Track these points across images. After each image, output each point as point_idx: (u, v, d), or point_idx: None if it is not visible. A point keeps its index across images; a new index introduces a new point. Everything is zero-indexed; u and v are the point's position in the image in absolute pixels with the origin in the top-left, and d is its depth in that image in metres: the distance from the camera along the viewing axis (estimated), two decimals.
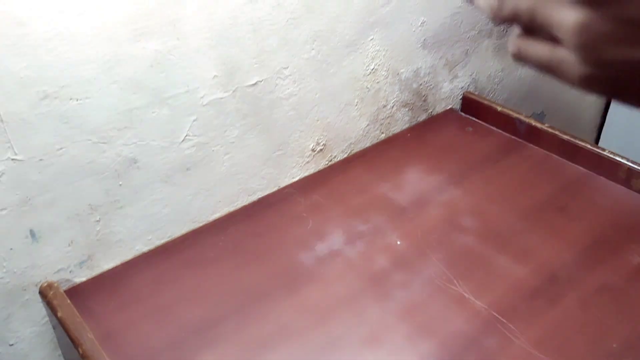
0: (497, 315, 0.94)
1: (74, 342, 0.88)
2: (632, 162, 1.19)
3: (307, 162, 1.26)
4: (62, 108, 0.87)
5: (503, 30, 1.52)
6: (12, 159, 0.86)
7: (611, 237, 1.09)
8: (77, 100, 0.88)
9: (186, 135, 1.03)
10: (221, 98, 1.04)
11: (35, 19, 0.80)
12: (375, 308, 0.96)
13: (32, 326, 1.01)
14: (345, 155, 1.33)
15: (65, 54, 0.84)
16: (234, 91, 1.05)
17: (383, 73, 1.29)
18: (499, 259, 1.05)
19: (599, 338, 0.91)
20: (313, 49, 1.13)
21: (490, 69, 1.56)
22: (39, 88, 0.84)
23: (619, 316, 0.94)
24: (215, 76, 1.01)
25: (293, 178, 1.25)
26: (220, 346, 0.91)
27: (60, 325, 0.91)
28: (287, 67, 1.11)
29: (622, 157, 1.20)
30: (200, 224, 1.14)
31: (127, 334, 0.93)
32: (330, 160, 1.30)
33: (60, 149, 0.90)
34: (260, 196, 1.21)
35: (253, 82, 1.07)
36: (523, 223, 1.13)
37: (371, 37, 1.22)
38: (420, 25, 1.30)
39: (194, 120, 1.03)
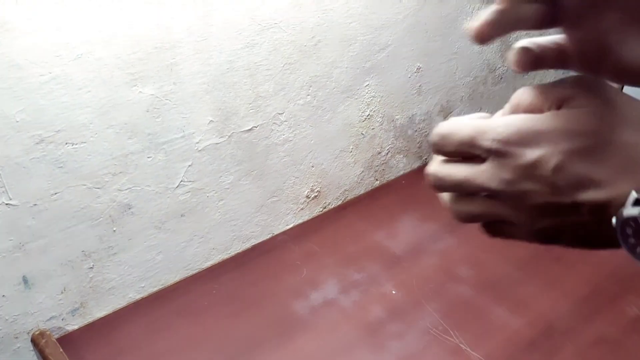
0: None
1: None
2: None
3: (302, 209, 1.25)
4: (57, 153, 0.86)
5: (499, 76, 1.53)
6: (7, 204, 0.85)
7: (608, 288, 1.08)
8: (72, 144, 0.87)
9: (181, 181, 1.02)
10: (217, 143, 1.04)
11: (31, 63, 0.80)
12: (370, 359, 0.94)
13: None
14: (340, 203, 1.32)
15: (61, 98, 0.84)
16: (229, 137, 1.05)
17: (378, 119, 1.29)
18: (495, 310, 1.03)
19: None
20: (309, 95, 1.14)
21: None
22: (34, 132, 0.83)
23: None
24: (211, 121, 1.01)
25: (287, 225, 1.24)
26: None
27: None
28: (283, 113, 1.11)
29: None
30: (194, 272, 1.13)
31: None
32: (325, 207, 1.30)
33: (55, 194, 0.89)
34: (254, 243, 1.20)
35: (249, 127, 1.07)
36: (519, 273, 1.12)
37: (367, 83, 1.23)
38: (415, 71, 1.31)
39: (189, 166, 1.02)
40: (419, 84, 1.34)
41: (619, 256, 1.15)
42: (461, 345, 0.96)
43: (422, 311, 1.03)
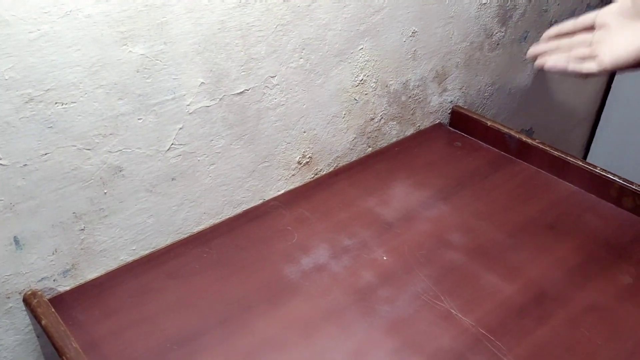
0: (484, 332, 0.93)
1: (58, 351, 0.86)
2: (624, 180, 1.18)
3: (293, 175, 1.24)
4: (47, 112, 0.85)
5: (495, 42, 1.52)
6: None
7: (601, 256, 1.08)
8: (62, 104, 0.86)
9: (172, 144, 1.01)
10: (208, 106, 1.03)
11: (19, 19, 0.78)
12: (361, 323, 0.94)
13: (15, 334, 0.99)
14: (331, 169, 1.32)
15: (50, 56, 0.82)
16: (220, 99, 1.04)
17: (372, 84, 1.28)
18: (487, 276, 1.03)
19: (588, 357, 0.89)
20: (302, 58, 1.12)
21: (481, 83, 1.56)
22: (23, 91, 0.82)
23: (608, 335, 0.93)
24: (202, 83, 1.00)
25: (278, 191, 1.24)
26: (205, 357, 0.89)
27: (45, 334, 0.89)
28: (275, 76, 1.10)
29: (614, 175, 1.19)
30: (185, 236, 1.12)
31: (111, 344, 0.91)
32: (316, 174, 1.29)
33: (45, 154, 0.88)
34: (245, 209, 1.19)
35: (240, 90, 1.06)
36: (512, 240, 1.11)
37: (361, 47, 1.21)
38: (411, 35, 1.30)
39: (180, 129, 1.01)
40: (414, 49, 1.32)
41: (612, 224, 1.16)
42: (452, 311, 0.96)
43: (413, 277, 1.03)
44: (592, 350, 0.90)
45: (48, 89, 0.84)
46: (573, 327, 0.94)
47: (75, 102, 0.87)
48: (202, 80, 1.00)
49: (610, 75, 2.08)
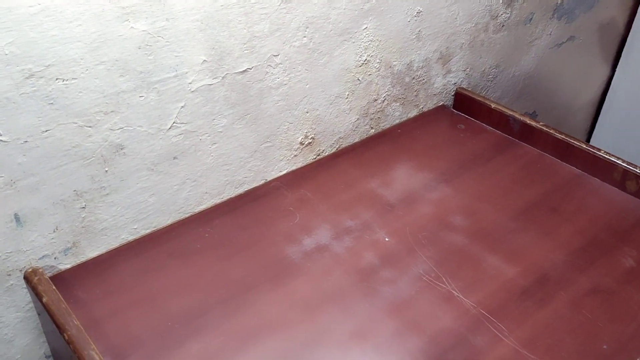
0: (486, 313, 0.92)
1: (60, 328, 0.85)
2: (628, 163, 1.17)
3: (295, 155, 1.23)
4: (48, 88, 0.85)
5: (500, 24, 1.50)
6: None
7: (604, 239, 1.08)
8: (62, 80, 0.85)
9: (173, 123, 1.01)
10: (210, 85, 1.02)
11: None
12: (362, 303, 0.94)
13: (16, 312, 0.99)
14: (334, 150, 1.31)
15: (51, 31, 0.81)
16: (223, 78, 1.03)
17: (375, 65, 1.27)
18: (489, 258, 1.03)
19: (589, 339, 0.89)
20: (305, 37, 1.11)
21: (485, 65, 1.55)
22: (24, 66, 0.81)
23: (610, 318, 0.93)
24: (204, 61, 0.99)
25: (280, 172, 1.23)
26: (206, 336, 0.89)
27: (46, 311, 0.89)
28: (278, 55, 1.09)
29: (617, 158, 1.19)
30: (186, 215, 1.12)
31: (112, 322, 0.91)
32: (318, 155, 1.28)
33: (46, 131, 0.87)
34: (246, 189, 1.19)
35: (243, 69, 1.05)
36: (514, 223, 1.11)
37: (365, 26, 1.20)
38: (415, 15, 1.28)
39: (182, 107, 1.00)
40: (418, 29, 1.31)
41: (615, 208, 1.16)
42: (453, 292, 0.96)
43: (415, 258, 1.03)
44: (594, 333, 0.90)
45: (49, 65, 0.83)
46: (575, 309, 0.94)
47: (76, 79, 0.87)
48: (204, 58, 0.99)
49: (614, 60, 2.06)
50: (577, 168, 1.25)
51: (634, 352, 0.88)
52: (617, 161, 1.18)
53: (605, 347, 0.88)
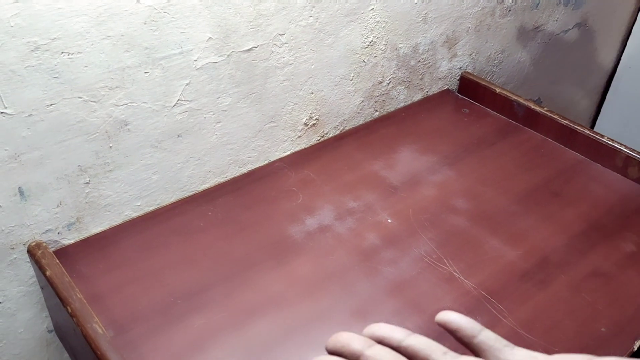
0: (486, 294, 0.93)
1: (63, 301, 0.86)
2: (630, 149, 1.18)
3: (299, 136, 1.24)
4: (53, 62, 0.85)
5: (507, 9, 1.50)
6: (1, 112, 0.84)
7: (605, 224, 1.08)
8: (68, 54, 0.85)
9: (178, 100, 1.01)
10: (215, 62, 1.02)
11: None
12: (364, 283, 0.95)
13: (19, 285, 0.99)
14: (338, 132, 1.31)
15: (57, 4, 0.81)
16: (228, 56, 1.03)
17: (381, 47, 1.27)
18: (491, 241, 1.03)
19: (588, 322, 0.90)
20: (311, 16, 1.11)
21: (491, 50, 1.55)
22: (29, 39, 0.81)
23: (609, 301, 0.93)
24: (209, 38, 0.99)
25: (284, 152, 1.23)
26: (209, 311, 0.90)
27: (49, 284, 0.90)
28: (284, 34, 1.09)
29: (620, 144, 1.19)
30: (190, 194, 1.12)
31: (115, 297, 0.92)
32: (322, 137, 1.28)
33: (51, 105, 0.88)
34: (250, 169, 1.19)
35: (248, 47, 1.05)
36: (516, 206, 1.11)
37: (372, 7, 1.20)
38: None
39: (187, 85, 1.00)
40: (425, 12, 1.31)
41: (617, 193, 1.16)
42: (455, 274, 0.96)
43: (417, 240, 1.03)
44: (593, 316, 0.90)
45: (54, 38, 0.83)
46: (574, 292, 0.94)
47: (81, 53, 0.87)
48: (209, 35, 0.99)
49: (620, 47, 2.06)
50: (580, 154, 1.25)
51: (632, 335, 0.88)
52: (620, 147, 1.19)
53: (603, 329, 0.89)
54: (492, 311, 0.90)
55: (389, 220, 1.07)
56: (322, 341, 0.85)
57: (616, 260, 1.00)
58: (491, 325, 0.88)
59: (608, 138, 1.21)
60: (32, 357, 1.07)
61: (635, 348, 0.87)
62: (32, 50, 0.82)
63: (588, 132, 1.23)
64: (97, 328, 0.82)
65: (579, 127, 1.24)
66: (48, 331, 1.07)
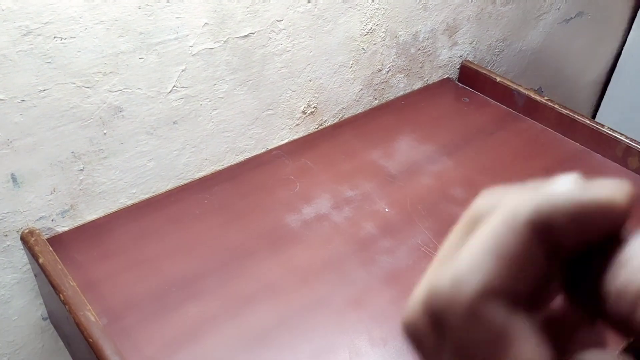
0: None
1: (56, 289, 0.85)
2: (631, 139, 1.16)
3: (297, 124, 1.22)
4: (45, 47, 0.83)
5: None
6: None
7: None
8: (61, 39, 0.84)
9: (174, 86, 1.00)
10: (211, 48, 1.01)
11: None
12: (360, 272, 0.94)
13: (13, 272, 0.99)
14: (336, 121, 1.30)
15: None
16: (224, 42, 1.02)
17: (381, 34, 1.26)
18: None
19: None
20: (310, 2, 1.09)
21: (492, 39, 1.53)
22: (21, 23, 0.80)
23: None
24: (206, 24, 0.98)
25: (282, 140, 1.22)
26: (204, 299, 0.89)
27: (42, 272, 0.89)
28: (282, 20, 1.07)
29: (621, 135, 1.18)
30: (186, 181, 1.11)
31: (110, 285, 0.91)
32: (320, 125, 1.27)
33: (43, 90, 0.87)
34: (247, 157, 1.18)
35: (245, 33, 1.04)
36: None
37: None
38: None
39: (183, 71, 0.99)
40: None
41: None
42: None
43: (414, 229, 1.02)
44: None
45: (46, 22, 0.82)
46: None
47: (74, 37, 0.85)
48: (205, 21, 0.97)
49: (622, 37, 2.04)
50: (580, 144, 1.24)
51: None
52: (620, 137, 1.17)
53: None
54: None
55: (387, 210, 1.06)
56: (318, 330, 0.85)
57: None
58: None
59: (608, 128, 1.19)
60: (27, 344, 1.07)
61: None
62: (24, 35, 0.81)
63: (588, 122, 1.22)
64: (90, 316, 0.81)
65: (579, 117, 1.23)
66: (42, 319, 1.06)
